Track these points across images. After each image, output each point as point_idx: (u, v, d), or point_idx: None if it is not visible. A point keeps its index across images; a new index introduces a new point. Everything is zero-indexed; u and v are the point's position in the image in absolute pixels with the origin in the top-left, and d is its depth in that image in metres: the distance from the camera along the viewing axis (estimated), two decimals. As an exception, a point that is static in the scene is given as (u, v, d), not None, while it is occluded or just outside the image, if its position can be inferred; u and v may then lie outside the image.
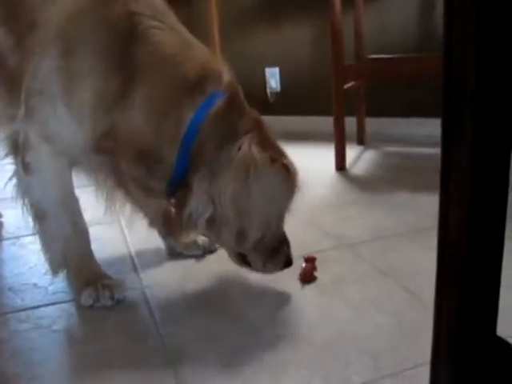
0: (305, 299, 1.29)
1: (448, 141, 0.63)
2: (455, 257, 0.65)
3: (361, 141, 2.91)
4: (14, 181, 1.34)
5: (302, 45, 3.30)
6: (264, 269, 1.30)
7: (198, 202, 1.18)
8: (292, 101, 3.40)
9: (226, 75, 1.24)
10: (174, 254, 1.60)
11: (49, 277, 1.48)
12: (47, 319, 1.27)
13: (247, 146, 1.18)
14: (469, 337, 0.67)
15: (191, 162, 1.20)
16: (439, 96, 0.62)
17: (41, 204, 1.31)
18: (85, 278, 1.34)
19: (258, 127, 1.23)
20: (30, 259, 1.65)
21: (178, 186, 1.24)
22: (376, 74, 2.50)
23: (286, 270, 1.35)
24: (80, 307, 1.31)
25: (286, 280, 1.37)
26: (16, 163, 1.32)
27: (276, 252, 1.29)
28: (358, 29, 2.77)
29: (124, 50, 1.18)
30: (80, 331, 1.22)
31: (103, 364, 1.08)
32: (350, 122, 2.64)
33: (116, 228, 1.83)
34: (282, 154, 1.26)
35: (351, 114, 2.73)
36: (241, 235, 1.22)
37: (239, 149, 1.18)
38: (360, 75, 2.56)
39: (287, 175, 1.25)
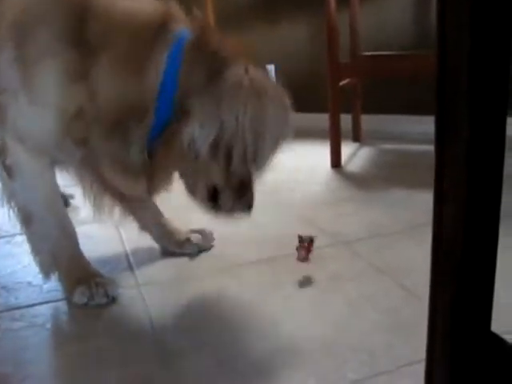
0: (301, 296, 1.28)
1: (442, 137, 0.63)
2: (449, 254, 0.65)
3: (356, 138, 2.91)
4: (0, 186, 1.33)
5: (298, 42, 3.30)
6: (232, 209, 1.28)
7: (201, 123, 1.10)
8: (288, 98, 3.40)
9: (191, 15, 1.20)
10: (167, 253, 1.59)
11: (42, 276, 1.48)
12: (41, 318, 1.26)
13: (244, 71, 1.13)
14: (463, 333, 0.67)
15: (177, 107, 1.13)
16: (435, 93, 0.62)
17: (26, 207, 1.31)
18: (76, 277, 1.33)
19: (243, 51, 1.18)
20: (24, 258, 1.64)
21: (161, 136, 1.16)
22: (372, 72, 2.50)
23: (286, 267, 1.35)
24: (74, 306, 1.31)
25: (282, 278, 1.37)
26: (1, 169, 1.29)
27: (244, 194, 1.26)
28: (354, 26, 2.77)
29: (78, 25, 1.13)
30: (74, 330, 1.21)
31: (98, 363, 1.07)
32: (346, 119, 2.64)
33: (111, 226, 1.83)
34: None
35: (347, 111, 2.72)
36: (243, 162, 1.18)
37: (236, 75, 1.12)
38: (356, 72, 2.55)
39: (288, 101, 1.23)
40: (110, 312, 1.27)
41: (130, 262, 1.54)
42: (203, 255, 1.55)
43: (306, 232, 1.45)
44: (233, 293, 1.33)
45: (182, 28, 1.15)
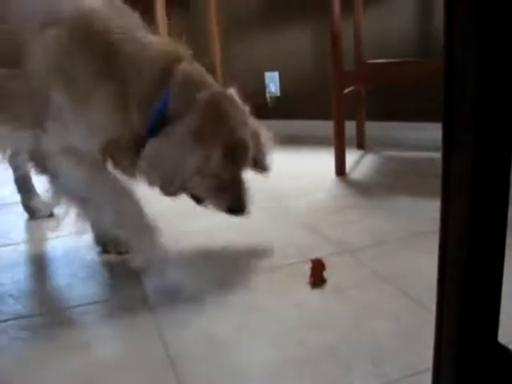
0: (305, 305, 1.28)
1: (448, 146, 0.63)
2: (456, 263, 0.65)
3: (361, 145, 2.91)
4: (51, 187, 1.53)
5: (302, 49, 3.31)
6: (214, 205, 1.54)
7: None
8: (291, 105, 3.41)
9: (184, 61, 1.48)
10: None
11: (49, 284, 1.49)
12: (48, 326, 1.27)
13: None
14: (470, 343, 0.67)
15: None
16: (439, 100, 0.62)
17: (78, 193, 1.47)
18: (139, 237, 1.48)
19: (211, 105, 1.44)
20: (31, 266, 1.65)
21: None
22: (376, 79, 2.50)
23: (291, 275, 1.35)
24: (81, 314, 1.32)
25: (287, 286, 1.38)
26: (46, 172, 1.52)
27: (224, 193, 1.50)
28: (358, 33, 2.78)
29: (108, 67, 1.39)
30: (81, 337, 1.21)
31: (104, 370, 1.08)
32: (350, 127, 2.65)
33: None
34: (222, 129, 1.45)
35: (351, 118, 2.73)
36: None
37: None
38: (360, 80, 2.56)
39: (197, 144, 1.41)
40: (116, 319, 1.28)
41: (137, 271, 1.54)
42: (209, 264, 1.56)
43: (309, 241, 1.44)
44: (237, 301, 1.33)
45: (176, 75, 1.44)
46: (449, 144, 0.63)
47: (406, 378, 0.98)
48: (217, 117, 1.44)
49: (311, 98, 3.29)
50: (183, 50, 1.52)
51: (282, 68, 3.43)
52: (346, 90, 2.42)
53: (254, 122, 1.59)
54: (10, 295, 1.43)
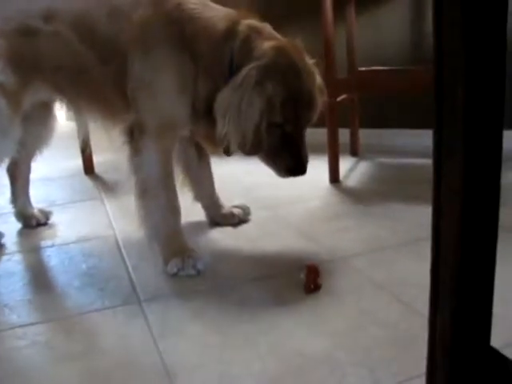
0: (300, 312, 1.29)
1: (439, 153, 0.64)
2: (448, 268, 0.66)
3: (354, 152, 2.92)
4: (128, 165, 1.61)
5: (295, 58, 3.32)
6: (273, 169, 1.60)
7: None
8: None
9: (251, 19, 1.57)
10: (213, 223, 1.94)
11: (44, 293, 1.49)
12: (44, 336, 1.27)
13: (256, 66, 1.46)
14: (463, 348, 0.68)
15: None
16: (431, 107, 0.63)
17: (145, 181, 1.57)
18: (172, 249, 1.58)
19: (277, 53, 1.48)
20: (26, 275, 1.65)
21: None
22: (369, 87, 2.52)
23: (286, 283, 1.36)
24: (77, 323, 1.32)
25: (282, 294, 1.38)
26: (129, 148, 1.59)
27: (284, 151, 1.54)
28: (351, 42, 2.79)
29: (181, 34, 1.52)
30: (77, 347, 1.21)
31: (101, 380, 1.08)
32: (344, 134, 2.66)
33: (112, 242, 1.84)
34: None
35: (345, 125, 2.74)
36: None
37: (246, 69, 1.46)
38: (353, 88, 2.57)
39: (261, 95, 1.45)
40: (112, 329, 1.28)
41: (132, 278, 1.55)
42: (204, 272, 1.56)
43: (303, 249, 1.45)
44: (233, 309, 1.33)
45: (241, 31, 1.52)
46: (439, 150, 0.64)
47: (401, 383, 0.98)
48: (283, 64, 1.47)
49: (305, 106, 3.29)
50: (241, 14, 1.58)
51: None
52: (339, 98, 2.43)
53: (320, 77, 1.62)
54: (5, 305, 1.43)
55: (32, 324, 1.32)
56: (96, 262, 1.69)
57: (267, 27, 1.59)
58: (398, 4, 2.93)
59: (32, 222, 2.09)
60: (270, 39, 1.52)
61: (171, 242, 1.59)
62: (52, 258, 1.77)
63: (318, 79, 1.60)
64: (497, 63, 0.58)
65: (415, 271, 1.43)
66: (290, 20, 3.27)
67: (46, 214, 2.13)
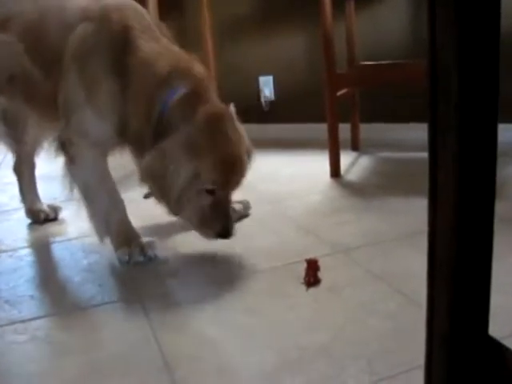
0: (300, 305, 1.29)
1: (434, 144, 0.64)
2: (445, 259, 0.66)
3: (355, 147, 2.92)
4: (64, 173, 1.66)
5: (295, 53, 3.32)
6: (200, 232, 1.59)
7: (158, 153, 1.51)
8: (286, 109, 3.41)
9: (195, 71, 1.56)
10: None
11: (45, 289, 1.49)
12: (44, 331, 1.27)
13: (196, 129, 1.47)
14: (461, 338, 0.68)
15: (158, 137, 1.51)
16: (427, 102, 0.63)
17: (85, 185, 1.64)
18: (122, 238, 1.63)
19: (210, 119, 1.49)
20: (27, 271, 1.65)
21: None
22: (369, 81, 2.51)
23: (286, 276, 1.36)
24: (77, 318, 1.32)
25: (282, 287, 1.38)
26: (63, 157, 1.64)
27: (213, 216, 1.53)
28: (350, 36, 2.79)
29: (120, 59, 1.53)
30: (77, 342, 1.22)
31: (101, 374, 1.08)
32: (344, 129, 2.66)
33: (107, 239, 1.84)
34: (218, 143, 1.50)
35: (345, 120, 2.74)
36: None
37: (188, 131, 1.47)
38: (353, 82, 2.57)
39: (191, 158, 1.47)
40: (112, 323, 1.28)
41: (132, 273, 1.55)
42: (205, 266, 1.56)
43: (304, 242, 1.45)
44: (232, 302, 1.33)
45: (180, 84, 1.52)
46: (434, 144, 0.64)
47: (399, 374, 0.99)
48: (215, 131, 1.49)
49: (306, 102, 3.29)
50: (193, 63, 1.58)
51: (276, 72, 3.44)
52: (339, 93, 2.43)
53: (249, 143, 1.63)
54: (6, 301, 1.43)
55: (32, 319, 1.33)
56: (97, 258, 1.69)
57: (207, 86, 1.58)
58: (397, -2, 2.93)
59: (40, 218, 2.09)
60: (205, 102, 1.52)
61: (119, 233, 1.63)
62: (53, 254, 1.78)
63: (247, 143, 1.61)
64: (490, 55, 0.58)
65: (415, 264, 1.43)
66: (290, 15, 3.27)
67: (55, 209, 2.12)
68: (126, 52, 1.52)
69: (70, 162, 1.63)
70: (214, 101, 1.57)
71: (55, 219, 2.10)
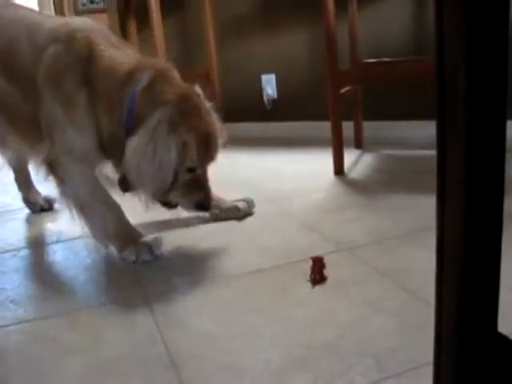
0: (306, 302, 1.29)
1: (443, 140, 0.63)
2: (453, 255, 0.66)
3: (358, 145, 2.92)
4: (58, 194, 1.72)
5: (298, 51, 3.32)
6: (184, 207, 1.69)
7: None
8: (289, 107, 3.41)
9: (156, 63, 1.64)
10: (217, 219, 1.91)
11: (50, 288, 1.49)
12: (50, 330, 1.27)
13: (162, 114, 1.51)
14: (470, 334, 0.68)
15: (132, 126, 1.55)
16: (435, 98, 0.63)
17: (78, 201, 1.66)
18: (126, 240, 1.63)
19: (181, 99, 1.55)
20: (31, 271, 1.66)
21: None
22: (371, 78, 2.51)
23: (291, 274, 1.36)
24: (82, 317, 1.32)
25: (287, 285, 1.38)
26: (53, 178, 1.69)
27: (193, 189, 1.62)
28: (353, 33, 2.78)
29: (88, 72, 1.60)
30: (82, 341, 1.21)
31: (107, 373, 1.08)
32: (348, 127, 2.65)
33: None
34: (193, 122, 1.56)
35: (348, 118, 2.74)
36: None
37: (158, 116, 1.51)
38: (356, 80, 2.57)
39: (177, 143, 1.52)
40: (118, 322, 1.28)
41: (136, 271, 1.55)
42: (210, 264, 1.56)
43: (308, 240, 1.45)
44: (237, 301, 1.33)
45: (143, 76, 1.57)
46: (442, 140, 0.63)
47: (407, 371, 0.98)
48: (188, 109, 1.55)
49: (308, 100, 3.29)
50: (154, 59, 1.70)
51: (279, 70, 3.44)
52: (342, 90, 2.42)
53: (219, 120, 1.71)
54: (12, 300, 1.43)
55: (38, 319, 1.33)
56: (101, 257, 1.69)
57: (170, 73, 1.63)
58: (400, -5, 2.92)
59: (36, 208, 2.22)
60: (172, 86, 1.58)
61: (122, 235, 1.65)
62: (57, 253, 1.78)
63: (219, 122, 1.69)
64: (499, 50, 0.58)
65: (420, 260, 1.43)
66: (292, 13, 3.27)
67: (50, 201, 2.24)
68: (91, 65, 1.60)
69: (61, 183, 1.67)
70: (180, 83, 1.62)
71: (51, 209, 2.24)
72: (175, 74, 1.64)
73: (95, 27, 1.72)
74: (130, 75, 1.57)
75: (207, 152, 1.60)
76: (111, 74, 1.58)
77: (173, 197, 1.64)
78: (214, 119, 1.65)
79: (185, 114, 1.53)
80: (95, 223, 1.66)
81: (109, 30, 1.78)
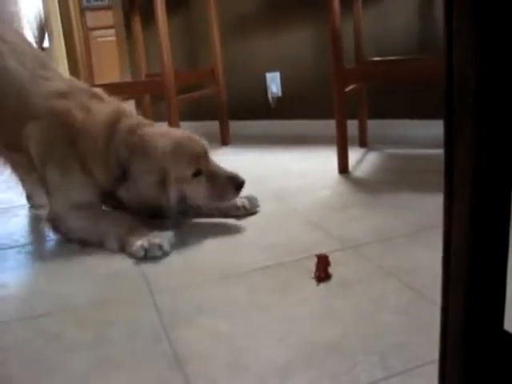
0: (311, 300, 1.29)
1: (450, 140, 0.63)
2: (460, 253, 0.66)
3: (363, 143, 2.92)
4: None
5: (303, 49, 3.32)
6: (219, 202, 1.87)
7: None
8: (293, 105, 3.41)
9: (124, 116, 1.85)
10: (220, 215, 1.94)
11: (53, 285, 1.49)
12: (55, 326, 1.27)
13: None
14: (476, 332, 0.68)
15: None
16: (440, 97, 0.63)
17: (78, 236, 1.79)
18: (134, 238, 1.66)
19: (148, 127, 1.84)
20: (35, 267, 1.66)
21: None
22: (377, 77, 2.50)
23: (296, 272, 1.36)
24: (86, 314, 1.32)
25: (292, 282, 1.38)
26: (59, 235, 1.85)
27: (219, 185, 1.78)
28: (358, 32, 2.78)
29: (70, 134, 1.78)
30: (87, 337, 1.22)
31: (111, 369, 1.08)
32: (352, 125, 2.65)
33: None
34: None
35: (353, 116, 2.73)
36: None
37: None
38: (361, 78, 2.56)
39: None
40: (122, 319, 1.28)
41: (141, 268, 1.55)
42: (214, 261, 1.56)
43: (313, 238, 1.44)
44: (242, 298, 1.33)
45: (123, 126, 1.80)
46: (450, 137, 0.63)
47: (413, 369, 0.98)
48: (160, 134, 1.81)
49: (313, 98, 3.29)
50: (120, 106, 1.89)
51: (284, 68, 3.44)
52: (347, 88, 2.42)
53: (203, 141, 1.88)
54: (15, 296, 1.44)
55: (42, 315, 1.33)
56: (106, 253, 1.69)
57: (140, 120, 1.89)
58: (405, -7, 2.92)
59: (40, 205, 2.20)
60: (150, 125, 1.86)
61: (130, 231, 1.71)
62: (61, 249, 1.78)
63: (202, 140, 1.86)
64: (508, 49, 0.58)
65: (425, 259, 1.43)
66: (297, 11, 3.26)
67: None
68: (73, 136, 1.78)
69: (67, 234, 1.81)
70: (134, 117, 1.90)
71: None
72: (128, 112, 1.91)
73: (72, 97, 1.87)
74: (107, 134, 1.78)
75: (191, 151, 1.77)
76: (90, 137, 1.77)
77: (211, 199, 1.80)
78: (197, 138, 1.84)
79: (162, 137, 1.77)
80: (101, 241, 1.73)
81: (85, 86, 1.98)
